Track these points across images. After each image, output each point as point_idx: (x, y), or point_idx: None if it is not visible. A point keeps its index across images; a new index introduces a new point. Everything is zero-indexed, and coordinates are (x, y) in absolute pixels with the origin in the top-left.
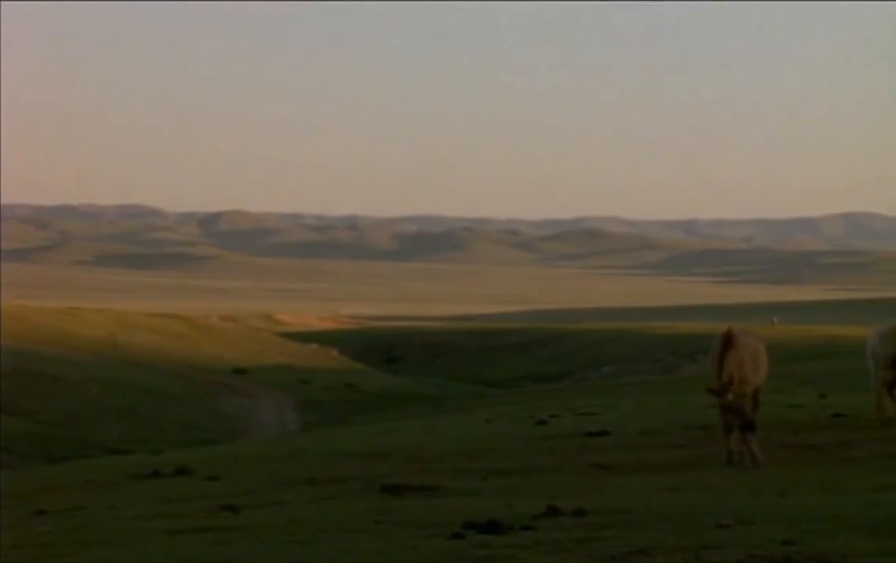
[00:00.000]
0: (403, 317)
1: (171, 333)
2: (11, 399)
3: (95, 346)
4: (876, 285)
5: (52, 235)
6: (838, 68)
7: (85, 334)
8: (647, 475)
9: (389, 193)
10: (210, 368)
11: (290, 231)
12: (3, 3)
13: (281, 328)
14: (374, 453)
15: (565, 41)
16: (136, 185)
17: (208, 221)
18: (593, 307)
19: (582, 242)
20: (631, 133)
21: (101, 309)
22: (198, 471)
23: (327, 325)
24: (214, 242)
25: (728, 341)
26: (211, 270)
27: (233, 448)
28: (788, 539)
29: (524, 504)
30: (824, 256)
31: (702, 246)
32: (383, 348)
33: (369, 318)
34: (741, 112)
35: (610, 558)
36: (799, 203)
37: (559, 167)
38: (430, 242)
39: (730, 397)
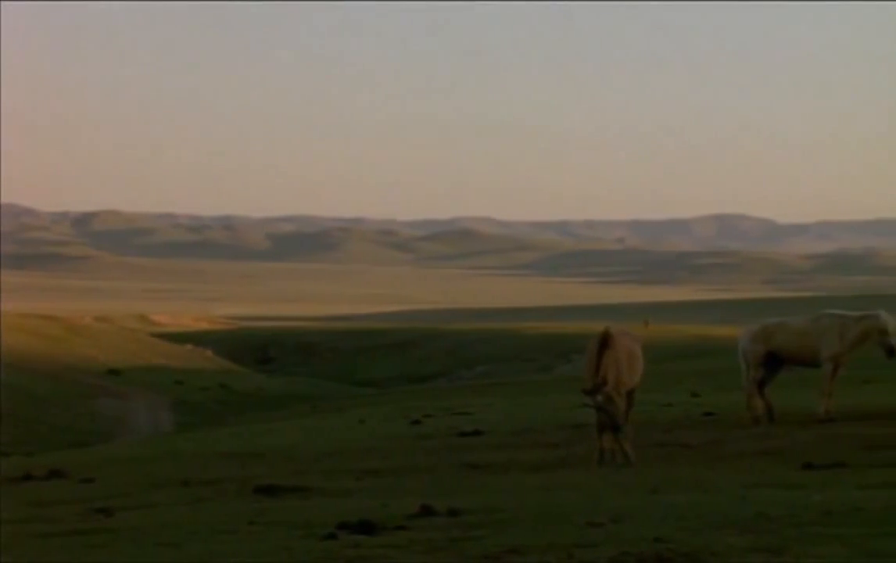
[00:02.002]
0: (278, 317)
1: (45, 334)
2: None
3: None
4: (746, 286)
5: None
6: (710, 70)
7: None
8: (520, 475)
9: (264, 192)
10: (84, 369)
11: (164, 231)
12: None
13: (156, 329)
14: (249, 453)
15: (435, 41)
16: (9, 183)
17: (82, 221)
18: (468, 307)
19: (456, 242)
20: (505, 134)
21: None
22: (72, 473)
23: (202, 325)
24: (88, 242)
25: (605, 341)
26: (85, 271)
27: (107, 450)
28: (660, 537)
29: (398, 504)
30: (696, 257)
31: (575, 247)
32: (258, 349)
33: (244, 318)
34: (614, 113)
35: (483, 557)
36: (671, 205)
37: (434, 168)
38: (305, 242)
39: (599, 398)
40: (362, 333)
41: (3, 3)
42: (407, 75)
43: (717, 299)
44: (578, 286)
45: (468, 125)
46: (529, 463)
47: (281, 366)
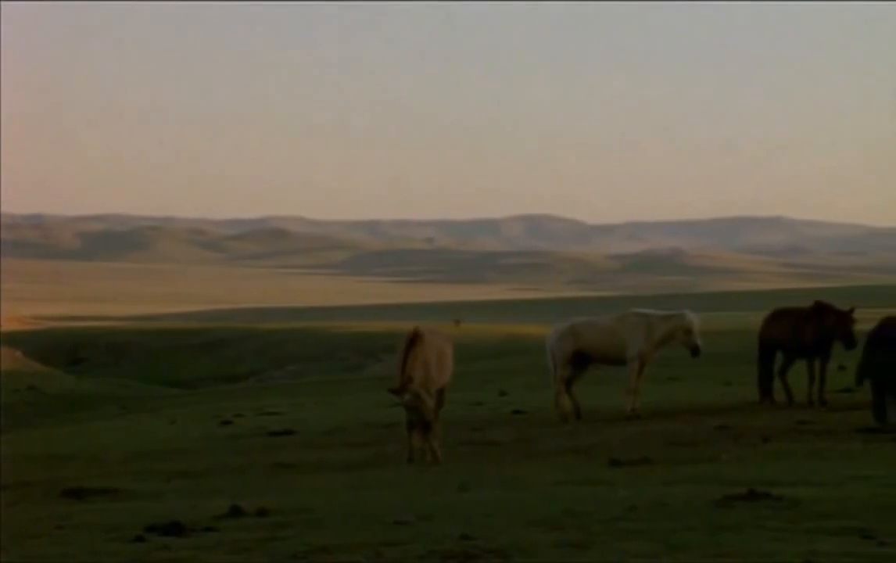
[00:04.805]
0: (89, 317)
1: None
2: None
3: None
4: (554, 285)
5: None
6: (518, 70)
7: None
8: (329, 474)
9: (74, 191)
10: None
11: None
12: None
13: None
14: (57, 456)
15: (242, 44)
16: None
17: None
18: (278, 306)
19: (267, 241)
20: (315, 134)
21: None
22: None
23: (12, 325)
24: None
25: (413, 339)
26: None
27: None
28: (467, 534)
29: (207, 505)
30: (505, 256)
31: (385, 246)
32: (68, 349)
33: (54, 318)
34: (424, 113)
35: (291, 556)
36: (480, 205)
37: (244, 167)
38: (115, 241)
39: (407, 396)
40: (173, 333)
41: None
42: (216, 73)
43: (525, 299)
44: (388, 286)
45: (279, 124)
46: (339, 462)
47: (91, 367)
